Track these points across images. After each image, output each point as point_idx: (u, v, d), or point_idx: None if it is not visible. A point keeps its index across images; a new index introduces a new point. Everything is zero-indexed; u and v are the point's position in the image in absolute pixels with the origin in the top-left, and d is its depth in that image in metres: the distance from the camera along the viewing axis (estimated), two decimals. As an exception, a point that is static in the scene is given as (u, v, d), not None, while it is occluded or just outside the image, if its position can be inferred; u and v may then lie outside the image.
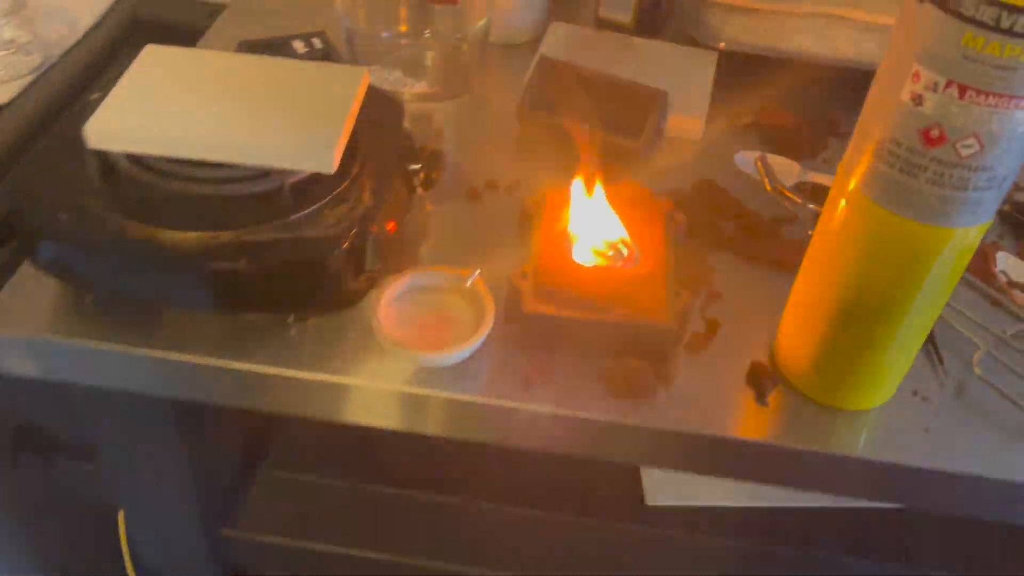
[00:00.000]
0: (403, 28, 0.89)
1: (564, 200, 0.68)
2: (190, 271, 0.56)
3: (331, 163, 0.58)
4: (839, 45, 0.86)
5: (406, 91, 0.82)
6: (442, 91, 0.83)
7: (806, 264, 0.59)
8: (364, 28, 0.85)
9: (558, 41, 0.88)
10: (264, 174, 0.58)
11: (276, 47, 0.84)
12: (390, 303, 0.61)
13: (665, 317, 0.59)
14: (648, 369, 0.60)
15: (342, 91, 0.63)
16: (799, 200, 0.73)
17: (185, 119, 0.59)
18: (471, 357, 0.59)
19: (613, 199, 0.66)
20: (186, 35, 0.92)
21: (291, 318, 0.61)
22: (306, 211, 0.58)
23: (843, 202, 0.52)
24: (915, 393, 0.61)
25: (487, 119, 0.83)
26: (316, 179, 0.59)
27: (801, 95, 0.87)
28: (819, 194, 0.75)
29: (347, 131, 0.60)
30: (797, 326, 0.60)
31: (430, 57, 0.83)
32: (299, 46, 0.84)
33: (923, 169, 0.46)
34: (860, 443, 0.58)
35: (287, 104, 0.61)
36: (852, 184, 0.51)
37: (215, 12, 1.02)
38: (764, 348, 0.63)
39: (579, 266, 0.63)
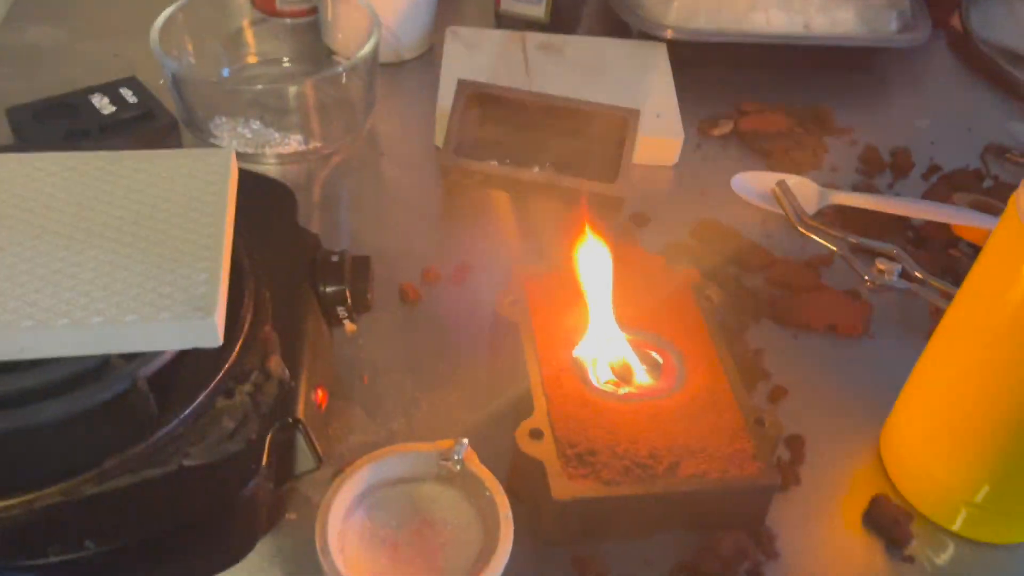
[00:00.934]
0: (251, 59, 0.65)
1: (551, 291, 0.47)
2: (-8, 572, 0.31)
3: (216, 331, 0.34)
4: (809, 19, 0.69)
5: (271, 151, 0.58)
6: (324, 144, 0.59)
7: (942, 351, 0.41)
8: (195, 65, 0.60)
9: (461, 53, 0.66)
10: (99, 367, 0.34)
11: (69, 108, 0.58)
12: (343, 521, 0.38)
13: (757, 464, 0.40)
14: (746, 543, 0.40)
15: (203, 195, 0.39)
16: (836, 233, 0.56)
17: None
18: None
19: (618, 278, 0.46)
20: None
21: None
22: (180, 417, 0.34)
23: None
24: (1079, 494, 0.45)
25: (394, 174, 0.60)
26: (185, 355, 0.35)
27: (774, 85, 0.69)
28: (848, 219, 0.58)
29: (226, 265, 0.37)
30: (931, 439, 0.42)
31: (296, 97, 0.60)
32: (103, 103, 0.58)
33: None
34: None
35: (119, 236, 0.37)
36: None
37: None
38: (867, 461, 0.46)
39: (611, 404, 0.42)
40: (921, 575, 0.41)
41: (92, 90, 0.59)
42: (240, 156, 0.58)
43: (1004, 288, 0.36)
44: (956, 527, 0.43)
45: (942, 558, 0.42)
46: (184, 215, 0.38)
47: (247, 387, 0.36)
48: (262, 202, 0.44)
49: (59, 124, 0.57)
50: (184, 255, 0.36)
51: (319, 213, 0.56)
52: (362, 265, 0.43)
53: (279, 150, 0.58)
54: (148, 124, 0.58)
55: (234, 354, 0.37)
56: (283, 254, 0.42)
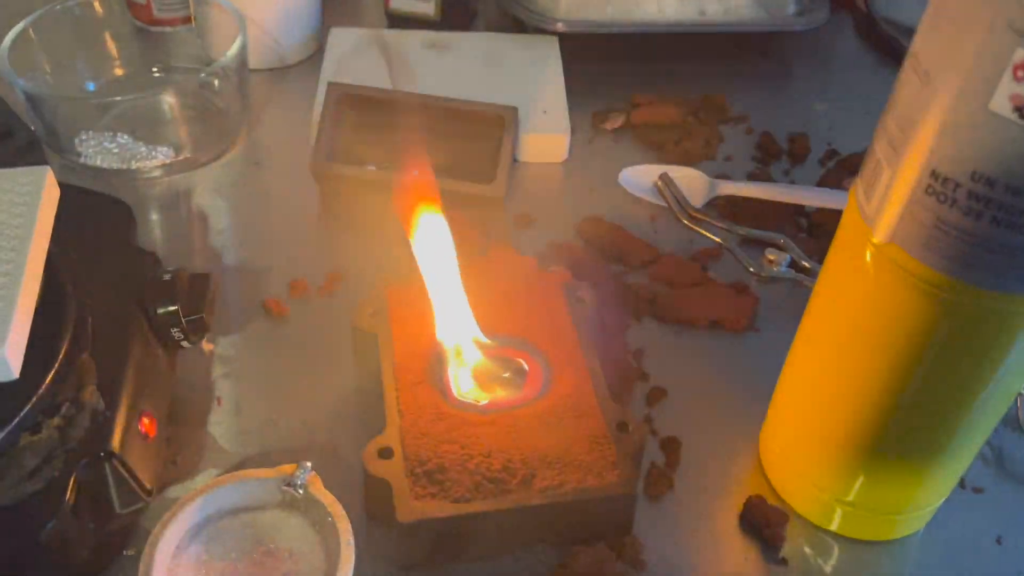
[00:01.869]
0: (118, 71, 0.62)
1: (416, 300, 0.45)
2: None
3: (7, 365, 0.32)
4: (703, 5, 0.68)
5: (142, 165, 0.56)
6: (196, 154, 0.57)
7: (805, 344, 0.40)
8: (52, 81, 0.58)
9: (344, 55, 0.64)
10: None
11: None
12: (173, 556, 0.36)
13: (617, 473, 0.38)
14: (606, 555, 0.38)
15: (9, 218, 0.36)
16: (723, 225, 0.54)
17: None
18: (331, 621, 0.36)
19: (486, 283, 0.45)
20: None
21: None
22: (-22, 456, 0.32)
23: (868, 256, 0.33)
24: (963, 484, 0.44)
25: (270, 185, 0.58)
26: (-12, 390, 0.33)
27: (671, 76, 0.68)
28: (740, 209, 0.56)
29: (30, 292, 0.34)
30: (800, 436, 0.40)
31: (168, 107, 0.57)
32: (-42, 124, 0.56)
33: (1036, 217, 0.28)
34: (921, 586, 0.40)
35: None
36: (882, 235, 0.32)
37: None
38: (746, 462, 0.44)
39: (469, 416, 0.40)
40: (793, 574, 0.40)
41: (-54, 112, 0.57)
42: (109, 172, 0.56)
43: (851, 277, 0.35)
44: (834, 526, 0.41)
45: (818, 559, 0.40)
46: (-16, 241, 0.35)
47: (56, 421, 0.34)
48: (95, 221, 0.42)
49: (-90, 147, 0.54)
50: (-21, 284, 0.34)
51: (183, 229, 0.54)
52: (200, 283, 0.41)
53: (147, 163, 0.56)
54: (6, 144, 0.55)
55: (44, 386, 0.34)
56: (114, 276, 0.40)
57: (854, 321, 0.35)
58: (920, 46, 0.29)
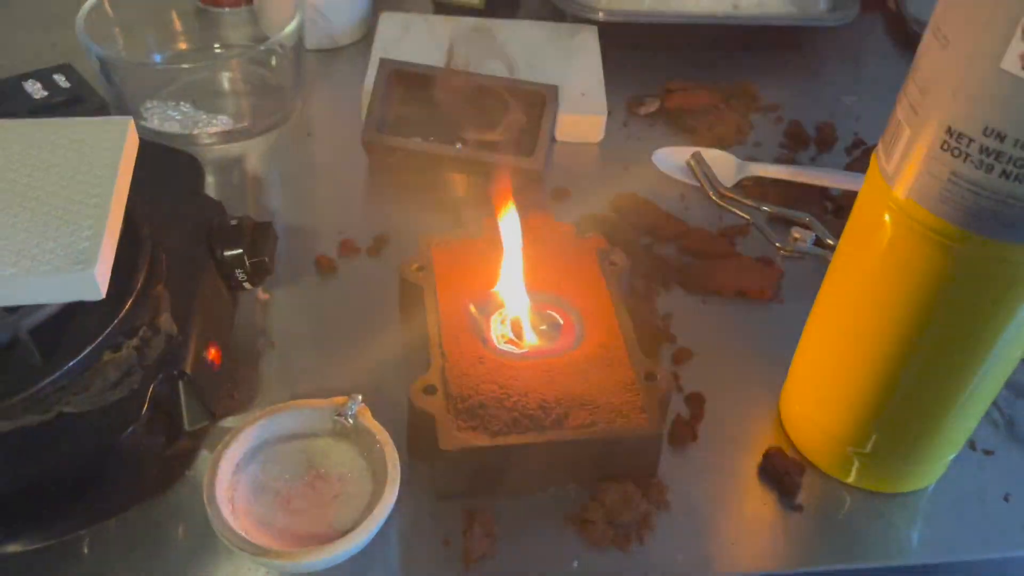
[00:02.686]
0: (182, 46, 0.66)
1: (458, 258, 0.48)
2: None
3: (96, 284, 0.35)
4: (739, 0, 0.70)
5: (202, 132, 0.59)
6: (252, 124, 0.60)
7: (825, 305, 0.42)
8: (124, 51, 0.61)
9: (394, 37, 0.67)
10: (-19, 320, 0.35)
11: (2, 93, 0.59)
12: (234, 473, 0.39)
13: (645, 416, 0.41)
14: (633, 492, 0.41)
15: (97, 160, 0.40)
16: (751, 203, 0.57)
17: None
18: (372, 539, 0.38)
19: (526, 245, 0.47)
20: None
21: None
22: (67, 367, 0.35)
23: (887, 216, 0.36)
24: (973, 447, 0.46)
25: (321, 153, 0.61)
26: (76, 310, 0.37)
27: (704, 65, 0.71)
28: (768, 190, 0.59)
29: (115, 225, 0.38)
30: (821, 392, 0.43)
31: (228, 80, 0.61)
32: (35, 88, 0.60)
33: (1042, 169, 0.30)
34: (931, 539, 0.42)
35: (8, 197, 0.38)
36: (900, 191, 0.34)
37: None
38: (767, 419, 0.46)
39: (507, 361, 0.43)
40: (810, 522, 0.42)
41: (26, 76, 0.61)
42: (171, 137, 0.59)
43: (870, 238, 0.37)
44: (851, 479, 0.44)
45: (831, 507, 0.43)
46: (76, 178, 0.39)
47: (135, 341, 0.37)
48: (168, 172, 0.46)
49: (-10, 108, 0.58)
50: (71, 215, 0.37)
51: (240, 191, 0.57)
52: (263, 230, 0.44)
53: (208, 130, 0.59)
54: (78, 108, 0.59)
55: (124, 310, 0.38)
56: (185, 220, 0.44)
57: (872, 277, 0.38)
58: (940, 14, 0.32)
